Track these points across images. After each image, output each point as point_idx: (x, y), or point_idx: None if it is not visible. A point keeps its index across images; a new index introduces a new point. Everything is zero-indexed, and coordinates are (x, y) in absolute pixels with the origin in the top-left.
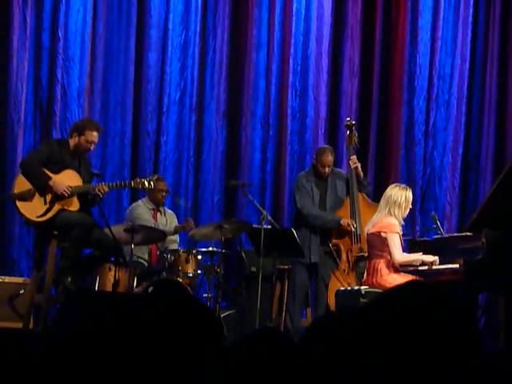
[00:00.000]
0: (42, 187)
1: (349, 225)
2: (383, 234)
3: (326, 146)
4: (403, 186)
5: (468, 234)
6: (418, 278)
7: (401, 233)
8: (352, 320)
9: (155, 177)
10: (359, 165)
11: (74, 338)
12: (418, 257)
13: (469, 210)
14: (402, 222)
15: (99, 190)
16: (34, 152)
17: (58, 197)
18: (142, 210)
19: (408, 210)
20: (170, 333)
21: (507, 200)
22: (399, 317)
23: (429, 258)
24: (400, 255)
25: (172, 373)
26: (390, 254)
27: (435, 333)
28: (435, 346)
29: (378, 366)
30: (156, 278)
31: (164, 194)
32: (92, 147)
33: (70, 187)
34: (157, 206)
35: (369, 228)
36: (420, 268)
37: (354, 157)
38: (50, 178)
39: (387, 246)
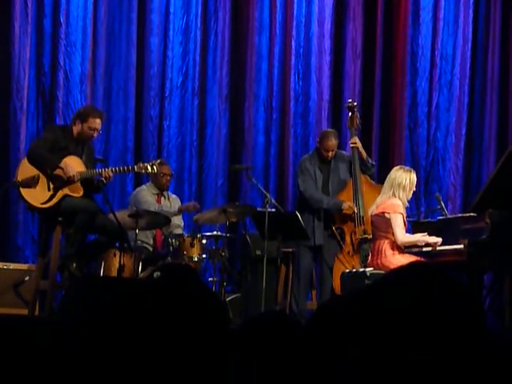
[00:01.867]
0: (53, 170)
1: (350, 208)
2: (387, 215)
3: (329, 129)
4: (407, 168)
5: (472, 214)
6: (421, 259)
7: (404, 214)
8: (357, 303)
9: (158, 161)
10: (360, 145)
11: (80, 323)
12: (421, 237)
13: (473, 190)
14: (407, 204)
15: (105, 176)
16: (39, 139)
17: (62, 183)
18: (146, 194)
19: (412, 192)
20: (176, 317)
21: (510, 180)
22: (402, 299)
23: (432, 238)
24: (403, 235)
25: (178, 357)
26: (393, 234)
27: (439, 314)
28: (439, 328)
29: (383, 350)
30: (161, 263)
31: (168, 178)
32: (95, 134)
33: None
34: (161, 190)
35: (373, 209)
36: (424, 249)
37: (355, 137)
38: (60, 161)
39: (391, 226)
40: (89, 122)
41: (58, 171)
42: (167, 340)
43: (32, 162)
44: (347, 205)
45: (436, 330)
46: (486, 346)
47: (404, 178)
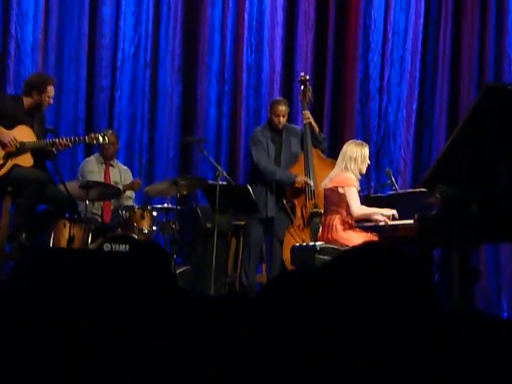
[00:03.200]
0: None
1: (303, 182)
2: (340, 190)
3: (279, 97)
4: (360, 141)
5: (422, 189)
6: (372, 234)
7: (358, 188)
8: (309, 280)
9: (110, 131)
10: (312, 119)
11: (30, 293)
12: (377, 210)
13: (423, 165)
14: (359, 177)
15: (60, 144)
16: None
17: (10, 152)
18: (93, 166)
19: (365, 165)
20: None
21: (461, 155)
22: (356, 276)
23: (387, 211)
24: (358, 208)
25: (132, 323)
26: (346, 210)
27: (392, 291)
28: (392, 303)
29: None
30: (111, 235)
31: (114, 147)
32: (52, 101)
33: (23, 142)
34: (108, 159)
35: (326, 183)
36: (376, 224)
37: (307, 111)
38: None
39: (344, 201)
40: (47, 91)
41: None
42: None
43: None
44: (300, 178)
45: (389, 307)
46: (438, 321)
47: (355, 151)
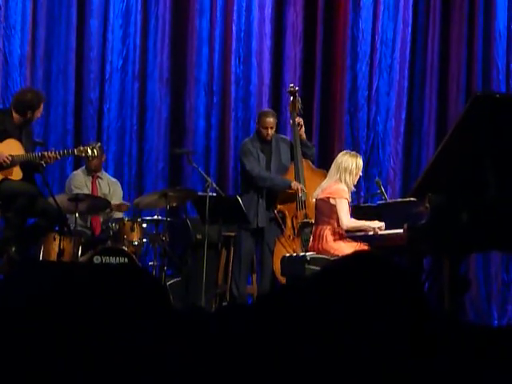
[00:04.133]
0: None
1: (298, 188)
2: (332, 201)
3: (267, 109)
4: (353, 152)
5: (412, 199)
6: (363, 244)
7: (349, 199)
8: (301, 292)
9: (98, 144)
10: (302, 124)
11: (20, 307)
12: (365, 223)
13: (412, 174)
14: (353, 189)
15: (48, 157)
16: None
17: None
18: (80, 179)
19: (358, 176)
20: (117, 301)
21: (450, 164)
22: (346, 285)
23: (375, 224)
24: (348, 220)
25: (121, 339)
26: (337, 220)
27: (382, 300)
28: (383, 314)
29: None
30: (101, 247)
31: (101, 159)
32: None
33: (12, 156)
34: (94, 172)
35: (318, 193)
36: (365, 234)
37: (298, 117)
38: None
39: (335, 212)
40: (40, 109)
41: None
42: (109, 322)
43: None
44: (297, 185)
45: (379, 316)
46: (428, 329)
47: (350, 163)
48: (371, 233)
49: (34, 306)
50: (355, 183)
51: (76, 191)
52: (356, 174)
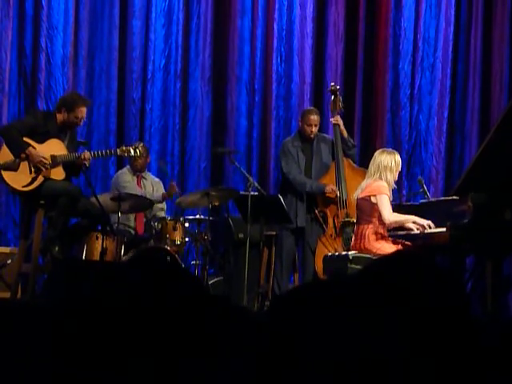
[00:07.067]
0: (18, 156)
1: (333, 191)
2: (373, 199)
3: (311, 107)
4: (390, 150)
5: (454, 197)
6: (405, 242)
7: (391, 197)
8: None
9: (141, 144)
10: (341, 123)
11: (63, 307)
12: (410, 217)
13: (455, 173)
14: (394, 186)
15: (84, 158)
16: (17, 121)
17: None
18: (128, 178)
19: (398, 172)
20: (158, 301)
21: (492, 163)
22: (388, 284)
23: (422, 220)
24: (391, 215)
25: (161, 341)
26: (378, 219)
27: (424, 298)
28: (424, 312)
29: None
30: (143, 246)
31: (146, 159)
32: (81, 123)
33: (54, 156)
34: (139, 171)
35: (358, 193)
36: (408, 233)
37: (338, 116)
38: (29, 147)
39: (376, 211)
40: (75, 112)
41: (26, 156)
42: (150, 323)
43: (4, 142)
44: (330, 188)
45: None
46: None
47: (389, 160)
48: (418, 231)
49: (76, 305)
50: (396, 179)
51: (125, 190)
52: (396, 171)
